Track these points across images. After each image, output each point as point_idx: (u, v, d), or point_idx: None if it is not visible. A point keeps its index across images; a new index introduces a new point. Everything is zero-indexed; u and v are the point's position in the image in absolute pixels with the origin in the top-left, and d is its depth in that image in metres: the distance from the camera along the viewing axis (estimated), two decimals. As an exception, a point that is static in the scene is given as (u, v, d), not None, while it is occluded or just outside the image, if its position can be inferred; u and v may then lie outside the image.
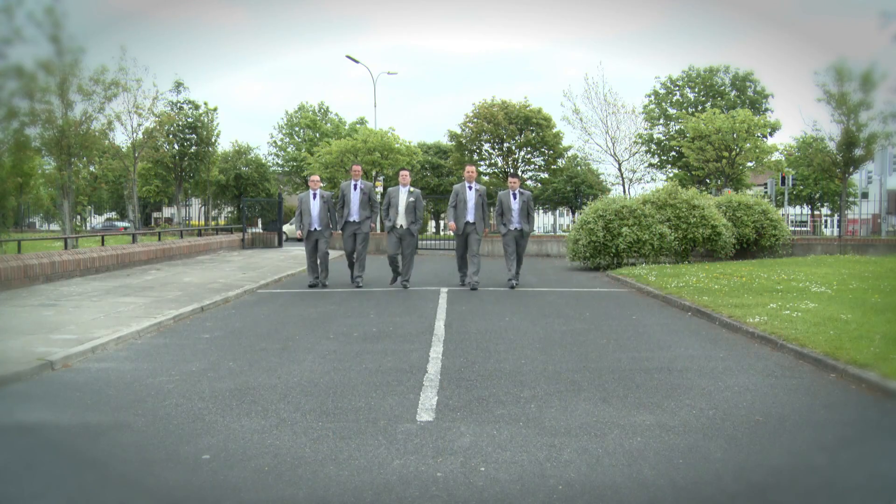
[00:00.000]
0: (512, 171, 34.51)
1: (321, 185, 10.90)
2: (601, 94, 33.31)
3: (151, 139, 27.62)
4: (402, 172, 11.69)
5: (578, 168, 41.85)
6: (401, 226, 11.19)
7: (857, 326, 6.69)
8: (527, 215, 11.54)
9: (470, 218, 11.23)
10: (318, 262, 11.68)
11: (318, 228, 11.47)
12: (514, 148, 35.02)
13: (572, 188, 42.06)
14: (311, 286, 11.40)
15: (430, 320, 8.12)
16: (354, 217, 11.37)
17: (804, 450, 3.78)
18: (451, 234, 12.08)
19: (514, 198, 11.53)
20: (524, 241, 11.75)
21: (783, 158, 33.54)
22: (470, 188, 11.36)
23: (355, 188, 11.55)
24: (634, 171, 34.80)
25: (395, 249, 11.28)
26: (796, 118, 75.06)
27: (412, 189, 11.43)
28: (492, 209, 13.56)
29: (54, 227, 47.21)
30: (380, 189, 30.96)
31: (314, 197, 11.56)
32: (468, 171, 11.60)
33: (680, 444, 3.80)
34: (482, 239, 11.56)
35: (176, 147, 34.40)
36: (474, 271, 11.32)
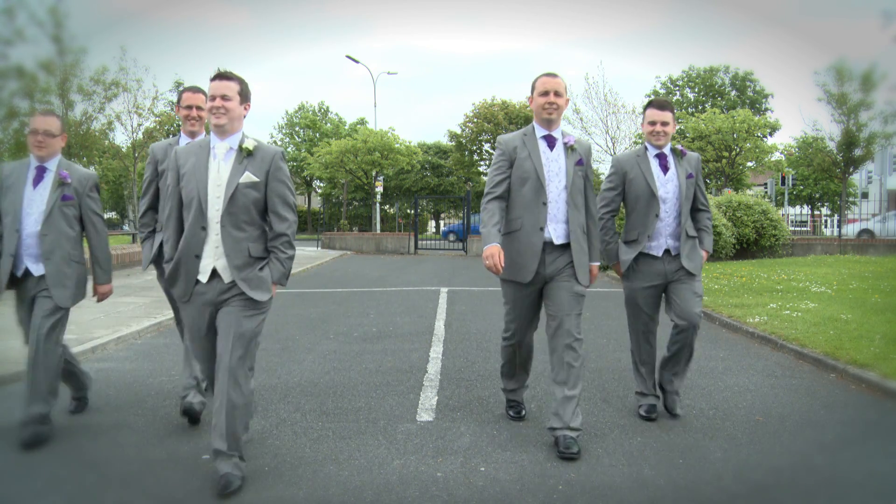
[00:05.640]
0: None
1: (62, 148, 4.12)
2: (601, 94, 33.26)
3: (151, 139, 27.61)
4: (210, 107, 3.13)
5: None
6: (213, 272, 3.17)
7: (857, 326, 6.70)
8: (695, 215, 4.30)
9: (555, 229, 3.76)
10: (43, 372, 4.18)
11: (30, 269, 4.05)
12: (514, 148, 34.88)
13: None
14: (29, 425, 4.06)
15: (430, 320, 8.12)
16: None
17: (804, 450, 3.78)
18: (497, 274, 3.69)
19: (665, 168, 4.16)
20: (698, 286, 4.17)
21: (783, 158, 33.54)
22: (552, 144, 3.82)
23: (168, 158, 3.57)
24: (635, 172, 34.75)
25: (206, 360, 3.42)
26: (796, 118, 74.97)
27: (250, 144, 3.20)
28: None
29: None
30: (379, 189, 30.73)
31: (39, 177, 4.01)
32: (545, 87, 3.75)
33: (680, 444, 3.80)
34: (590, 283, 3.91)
35: (176, 147, 34.43)
36: (572, 411, 3.60)
